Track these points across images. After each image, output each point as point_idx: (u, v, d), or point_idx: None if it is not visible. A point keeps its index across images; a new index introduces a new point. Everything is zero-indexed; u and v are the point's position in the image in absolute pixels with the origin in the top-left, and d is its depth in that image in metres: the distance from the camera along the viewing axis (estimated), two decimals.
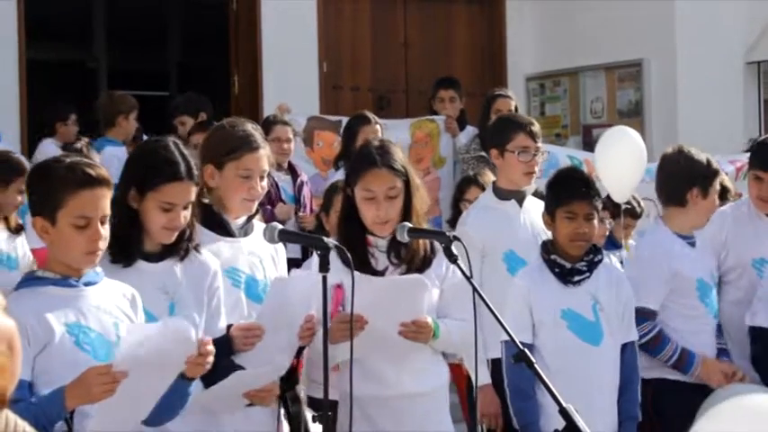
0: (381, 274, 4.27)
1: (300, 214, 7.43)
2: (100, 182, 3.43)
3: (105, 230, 3.44)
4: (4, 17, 9.23)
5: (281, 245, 4.23)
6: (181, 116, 8.77)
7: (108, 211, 3.45)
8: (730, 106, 10.84)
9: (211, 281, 3.99)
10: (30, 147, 9.08)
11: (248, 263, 4.21)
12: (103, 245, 3.46)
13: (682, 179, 5.21)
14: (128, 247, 3.79)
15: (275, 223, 3.93)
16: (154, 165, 3.82)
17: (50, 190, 3.42)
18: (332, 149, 8.50)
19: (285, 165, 7.60)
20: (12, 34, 9.27)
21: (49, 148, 8.30)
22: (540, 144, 5.39)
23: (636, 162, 6.40)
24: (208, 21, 12.57)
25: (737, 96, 10.97)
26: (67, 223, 3.39)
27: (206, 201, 4.19)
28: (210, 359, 3.40)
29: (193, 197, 3.86)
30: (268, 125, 7.53)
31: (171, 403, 3.46)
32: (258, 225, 4.30)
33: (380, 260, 4.31)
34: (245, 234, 4.24)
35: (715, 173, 5.26)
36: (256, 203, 4.27)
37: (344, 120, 8.82)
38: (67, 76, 15.04)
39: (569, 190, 4.74)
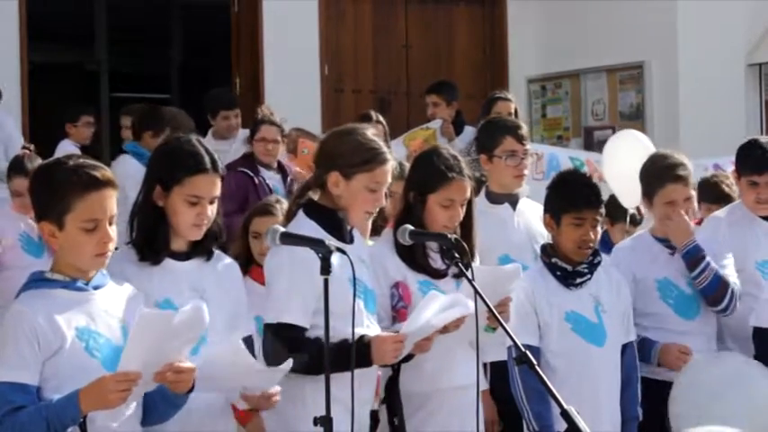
0: (444, 273, 4.47)
1: None
2: (105, 183, 3.39)
3: (113, 231, 3.41)
4: (5, 18, 9.23)
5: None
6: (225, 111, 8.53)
7: (115, 210, 3.42)
8: (732, 108, 10.82)
9: (239, 284, 3.96)
10: None
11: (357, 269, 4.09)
12: (113, 246, 3.43)
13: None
14: (155, 244, 3.72)
15: (277, 226, 3.88)
16: (177, 158, 3.75)
17: (56, 194, 3.36)
18: None
19: (274, 165, 7.52)
20: (13, 36, 9.28)
21: (68, 149, 8.46)
22: (528, 146, 5.42)
23: None
24: (209, 23, 12.58)
25: (739, 98, 10.96)
26: (76, 227, 3.35)
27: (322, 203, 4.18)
28: (189, 380, 3.36)
29: (218, 191, 3.78)
30: (255, 124, 7.52)
31: (163, 410, 3.49)
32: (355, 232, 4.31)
33: (437, 260, 4.49)
34: (351, 241, 4.21)
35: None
36: (374, 215, 4.34)
37: None
38: (69, 77, 15.07)
39: (579, 196, 4.69)
